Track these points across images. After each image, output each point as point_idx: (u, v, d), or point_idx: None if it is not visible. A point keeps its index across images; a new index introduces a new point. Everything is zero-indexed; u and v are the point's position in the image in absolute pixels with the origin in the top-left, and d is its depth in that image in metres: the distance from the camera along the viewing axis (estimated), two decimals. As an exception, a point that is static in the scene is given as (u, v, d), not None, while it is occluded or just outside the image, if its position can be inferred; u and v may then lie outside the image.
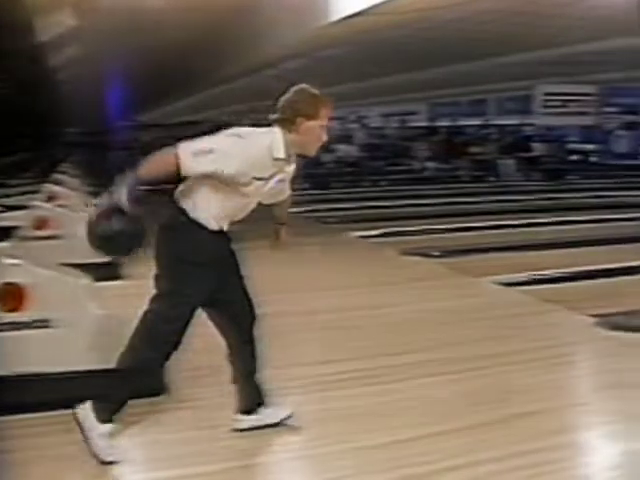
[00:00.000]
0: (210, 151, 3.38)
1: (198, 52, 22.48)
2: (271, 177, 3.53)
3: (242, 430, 3.85)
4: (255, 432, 3.82)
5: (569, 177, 22.49)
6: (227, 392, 3.88)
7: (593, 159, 29.58)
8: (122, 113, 34.49)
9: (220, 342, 3.76)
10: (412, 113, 37.36)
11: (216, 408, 4.11)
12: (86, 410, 3.49)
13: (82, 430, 3.48)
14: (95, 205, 3.57)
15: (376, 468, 3.54)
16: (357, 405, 4.29)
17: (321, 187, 17.67)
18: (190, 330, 3.52)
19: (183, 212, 3.52)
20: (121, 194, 3.33)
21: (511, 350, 5.38)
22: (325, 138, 3.58)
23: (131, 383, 3.57)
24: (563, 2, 13.72)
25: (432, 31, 16.37)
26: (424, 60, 21.76)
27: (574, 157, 29.70)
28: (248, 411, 3.86)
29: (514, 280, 7.69)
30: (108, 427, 3.50)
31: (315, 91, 3.57)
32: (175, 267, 3.53)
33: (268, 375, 3.83)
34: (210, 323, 3.75)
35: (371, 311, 6.45)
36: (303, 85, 3.61)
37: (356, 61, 21.39)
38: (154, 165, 3.42)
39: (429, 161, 24.36)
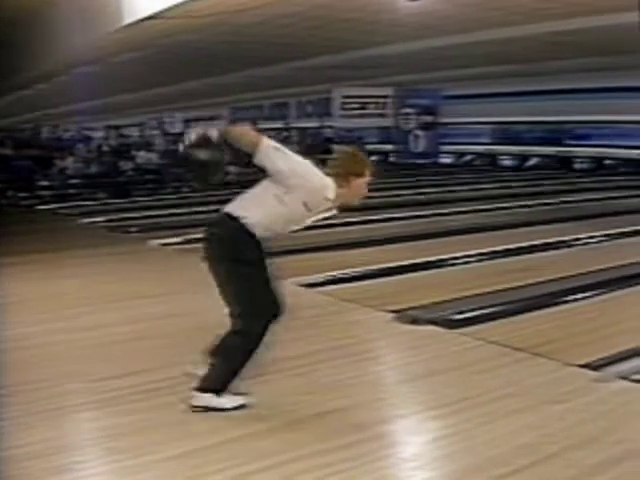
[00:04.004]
0: (285, 153, 4.05)
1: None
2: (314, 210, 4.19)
3: (195, 407, 4.14)
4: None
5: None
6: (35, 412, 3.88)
7: (392, 159, 30.60)
8: None
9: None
10: (214, 118, 37.19)
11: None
12: None
13: None
14: (189, 136, 4.01)
15: (186, 475, 3.48)
16: (155, 417, 4.16)
17: (121, 196, 17.18)
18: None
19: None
20: (212, 131, 3.97)
21: (314, 350, 5.44)
22: (366, 192, 4.28)
23: None
24: (356, 7, 14.05)
25: (229, 35, 16.36)
26: (223, 64, 21.73)
27: (374, 157, 30.63)
28: (204, 390, 4.14)
29: (315, 281, 7.77)
30: None
31: (362, 154, 4.32)
32: None
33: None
34: None
35: (172, 319, 6.36)
36: (351, 148, 4.54)
37: (153, 66, 21.06)
38: (242, 131, 4.16)
39: (230, 165, 24.26)
